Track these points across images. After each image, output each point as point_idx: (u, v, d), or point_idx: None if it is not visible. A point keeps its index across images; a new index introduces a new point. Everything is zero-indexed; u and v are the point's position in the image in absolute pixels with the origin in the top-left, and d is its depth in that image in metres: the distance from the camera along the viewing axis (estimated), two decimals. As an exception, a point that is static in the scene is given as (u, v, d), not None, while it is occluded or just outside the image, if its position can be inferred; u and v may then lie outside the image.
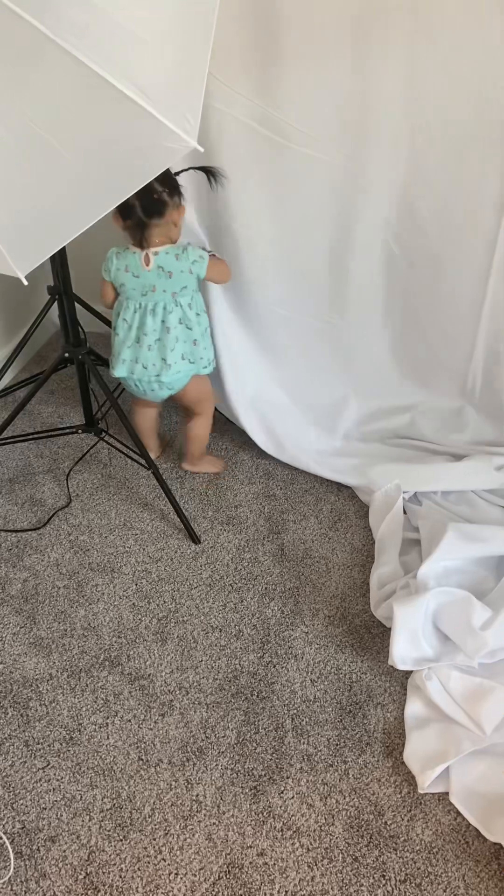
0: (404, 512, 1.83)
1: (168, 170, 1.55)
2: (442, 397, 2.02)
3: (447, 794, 1.32)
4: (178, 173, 1.59)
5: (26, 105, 1.11)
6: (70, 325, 1.79)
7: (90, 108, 1.12)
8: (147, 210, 1.56)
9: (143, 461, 1.84)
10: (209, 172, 1.59)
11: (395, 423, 2.06)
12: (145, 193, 1.53)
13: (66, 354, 1.84)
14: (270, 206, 1.69)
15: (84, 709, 1.47)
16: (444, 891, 1.21)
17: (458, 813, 1.30)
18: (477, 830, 1.27)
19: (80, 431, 2.03)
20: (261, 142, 1.59)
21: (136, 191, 1.18)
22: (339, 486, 1.98)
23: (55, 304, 1.82)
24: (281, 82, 1.51)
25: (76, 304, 1.81)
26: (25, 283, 1.19)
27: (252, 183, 1.63)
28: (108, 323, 2.11)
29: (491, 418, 1.98)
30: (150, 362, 1.75)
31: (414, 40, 1.44)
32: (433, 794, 1.33)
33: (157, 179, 1.52)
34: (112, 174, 1.18)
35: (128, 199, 1.51)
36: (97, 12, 1.05)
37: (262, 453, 2.04)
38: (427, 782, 1.32)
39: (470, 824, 1.28)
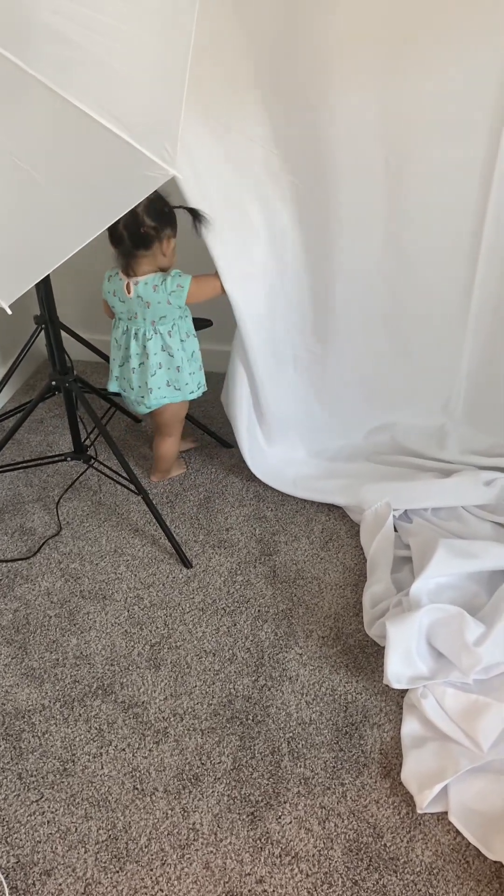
0: (395, 530, 1.84)
1: (161, 200, 1.57)
2: (423, 416, 2.04)
3: (446, 813, 1.31)
4: (176, 207, 1.60)
5: (5, 137, 1.12)
6: (56, 354, 1.80)
7: (69, 139, 1.14)
8: (134, 241, 1.59)
9: (132, 487, 1.84)
10: (194, 215, 1.58)
11: (376, 440, 2.07)
12: (133, 225, 1.56)
13: (54, 383, 1.84)
14: (253, 232, 1.70)
15: (77, 739, 1.45)
16: (447, 913, 1.19)
17: (458, 832, 1.29)
18: (477, 849, 1.26)
19: (69, 459, 2.03)
20: (244, 170, 1.60)
21: (118, 218, 1.19)
22: (330, 507, 1.98)
23: (42, 332, 1.83)
24: (260, 112, 1.53)
25: (63, 332, 1.82)
26: (9, 312, 1.20)
27: (237, 212, 1.64)
28: (95, 350, 2.12)
29: (473, 433, 1.99)
30: (135, 384, 1.80)
31: (385, 71, 1.46)
32: (432, 813, 1.32)
33: (147, 212, 1.55)
34: (93, 203, 1.20)
35: (117, 228, 1.54)
36: (76, 48, 1.08)
37: (252, 476, 2.04)
38: (425, 802, 1.31)
39: (470, 843, 1.27)
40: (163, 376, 1.78)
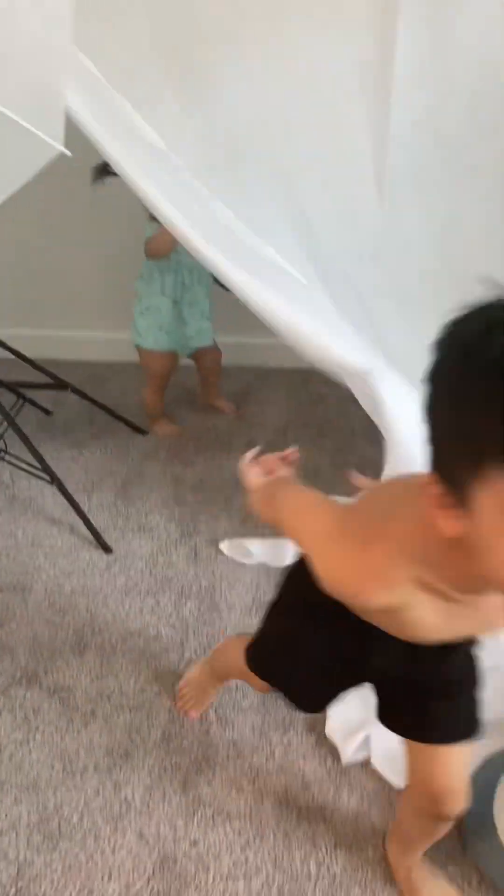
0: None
1: None
2: None
3: (369, 760, 1.36)
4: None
5: None
6: (-41, 346, 1.77)
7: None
8: None
9: (45, 476, 1.83)
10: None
11: None
12: None
13: (-42, 376, 1.81)
14: None
15: (3, 729, 1.44)
16: (374, 852, 1.24)
17: (381, 777, 1.34)
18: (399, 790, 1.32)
19: (-21, 455, 1.99)
20: None
21: (8, 196, 1.19)
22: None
23: None
24: None
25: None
26: None
27: None
28: (2, 345, 2.09)
29: None
30: None
31: None
32: (356, 762, 1.37)
33: None
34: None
35: None
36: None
37: (169, 459, 2.07)
38: (349, 752, 1.36)
39: (392, 786, 1.33)
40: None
